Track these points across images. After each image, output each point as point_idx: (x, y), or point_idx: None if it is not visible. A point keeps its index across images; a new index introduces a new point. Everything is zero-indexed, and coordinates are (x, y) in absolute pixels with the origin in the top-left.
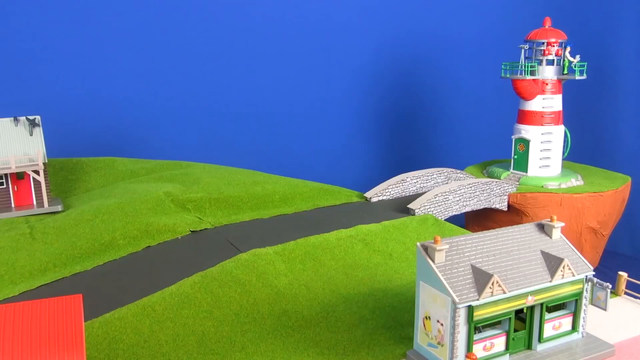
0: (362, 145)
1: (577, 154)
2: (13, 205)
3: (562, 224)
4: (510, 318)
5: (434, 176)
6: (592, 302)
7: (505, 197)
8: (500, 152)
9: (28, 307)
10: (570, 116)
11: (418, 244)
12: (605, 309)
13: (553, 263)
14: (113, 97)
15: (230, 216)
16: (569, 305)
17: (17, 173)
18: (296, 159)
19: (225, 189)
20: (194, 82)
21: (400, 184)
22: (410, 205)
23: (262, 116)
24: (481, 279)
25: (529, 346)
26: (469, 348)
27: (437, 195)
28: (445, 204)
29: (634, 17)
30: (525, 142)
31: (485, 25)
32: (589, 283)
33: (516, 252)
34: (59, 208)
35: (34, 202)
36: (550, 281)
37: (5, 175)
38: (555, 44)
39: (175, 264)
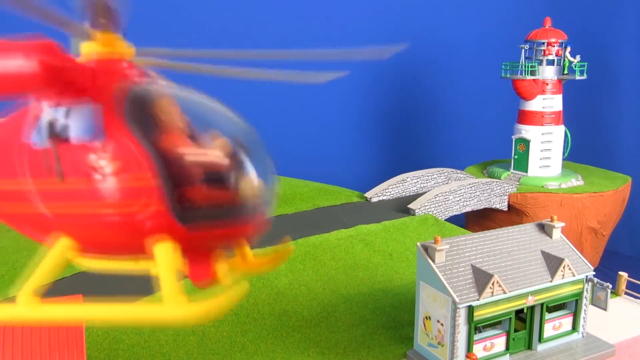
0: (362, 145)
1: (577, 154)
2: None
3: (562, 224)
4: (510, 318)
5: (434, 176)
6: (592, 302)
7: (506, 197)
8: (500, 152)
9: None
10: (570, 116)
11: (418, 244)
12: (605, 309)
13: (553, 263)
14: None
15: None
16: (569, 305)
17: None
18: (296, 159)
19: None
20: (194, 82)
21: (401, 184)
22: (410, 205)
23: (263, 116)
24: (481, 279)
25: (529, 346)
26: (469, 348)
27: (437, 195)
28: (445, 204)
29: (634, 17)
30: (526, 142)
31: (486, 25)
32: (589, 283)
33: (516, 252)
34: None
35: None
36: (551, 281)
37: None
38: (555, 44)
39: None
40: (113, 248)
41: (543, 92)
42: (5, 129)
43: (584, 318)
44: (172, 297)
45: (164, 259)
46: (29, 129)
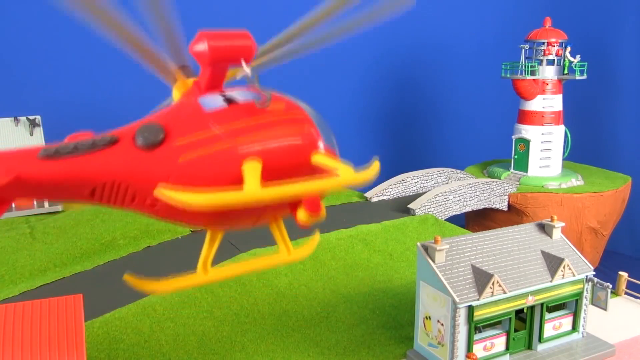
0: (362, 145)
1: (577, 154)
2: (13, 205)
3: (563, 224)
4: (510, 318)
5: (434, 176)
6: (592, 302)
7: (506, 197)
8: (500, 152)
9: (28, 307)
10: (570, 116)
11: (418, 243)
12: (605, 309)
13: (553, 263)
14: (114, 97)
15: None
16: (569, 305)
17: None
18: None
19: None
20: None
21: (401, 184)
22: (410, 205)
23: None
24: (481, 279)
25: (529, 346)
26: (469, 348)
27: (437, 195)
28: (445, 204)
29: (634, 17)
30: (526, 142)
31: (485, 25)
32: (590, 283)
33: (516, 252)
34: (59, 208)
35: (35, 202)
36: (551, 281)
37: None
38: (555, 44)
39: (176, 264)
40: (290, 167)
41: (543, 92)
42: (179, 108)
43: (584, 318)
44: (348, 169)
45: (326, 157)
46: (204, 98)
